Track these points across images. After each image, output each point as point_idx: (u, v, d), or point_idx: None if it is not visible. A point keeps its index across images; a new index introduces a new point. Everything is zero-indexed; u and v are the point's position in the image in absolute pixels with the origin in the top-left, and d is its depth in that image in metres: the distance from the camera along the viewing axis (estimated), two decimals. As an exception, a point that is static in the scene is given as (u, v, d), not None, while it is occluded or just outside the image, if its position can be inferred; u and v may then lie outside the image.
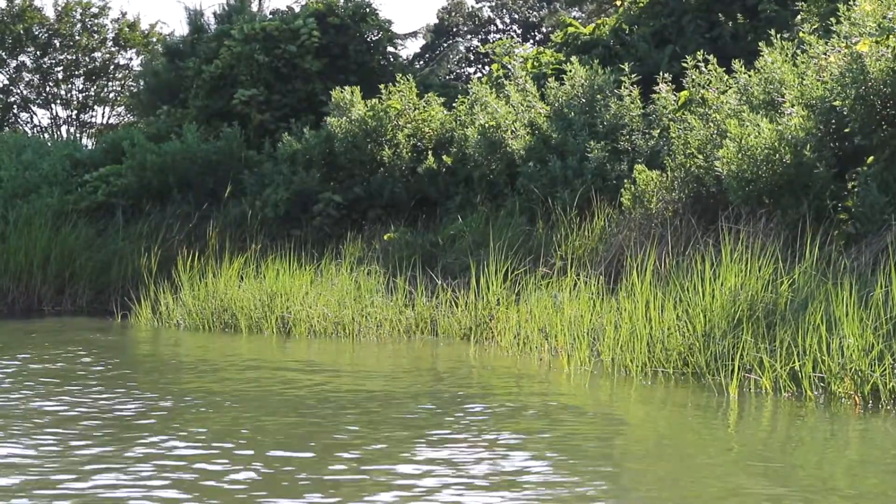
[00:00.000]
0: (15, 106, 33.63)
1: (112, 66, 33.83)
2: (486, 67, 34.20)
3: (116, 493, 5.56)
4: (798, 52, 12.40)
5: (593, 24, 19.62)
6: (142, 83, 25.34)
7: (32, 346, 13.09)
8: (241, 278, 15.17)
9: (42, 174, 20.38)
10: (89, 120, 33.98)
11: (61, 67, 33.44)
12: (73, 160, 20.89)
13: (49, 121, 33.74)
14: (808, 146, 10.73)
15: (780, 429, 7.55)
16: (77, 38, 33.24)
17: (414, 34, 32.29)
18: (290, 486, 5.74)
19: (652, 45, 18.18)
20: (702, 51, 14.19)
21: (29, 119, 33.95)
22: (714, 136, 12.30)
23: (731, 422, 7.76)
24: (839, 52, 10.97)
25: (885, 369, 8.01)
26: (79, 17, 33.34)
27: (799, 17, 15.01)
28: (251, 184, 18.75)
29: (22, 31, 32.55)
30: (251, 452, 6.55)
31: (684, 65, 14.16)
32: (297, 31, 21.22)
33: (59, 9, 33.11)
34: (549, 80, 16.39)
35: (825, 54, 11.26)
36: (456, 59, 33.18)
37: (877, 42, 10.59)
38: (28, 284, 19.07)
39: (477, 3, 39.86)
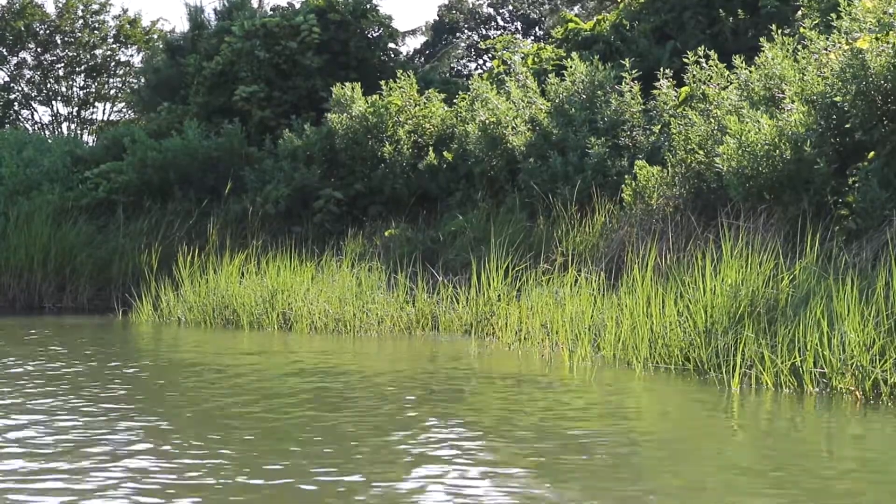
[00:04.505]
0: (16, 103, 33.64)
1: (113, 63, 33.85)
2: (487, 63, 34.21)
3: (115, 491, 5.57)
4: (799, 47, 12.40)
5: (594, 20, 19.62)
6: (143, 80, 25.37)
7: (32, 343, 13.09)
8: (242, 275, 15.19)
9: (43, 171, 20.40)
10: (90, 117, 34.01)
11: (62, 64, 33.45)
12: (73, 157, 20.91)
13: (50, 118, 33.77)
14: (809, 142, 10.73)
15: (782, 424, 7.55)
16: (78, 34, 33.25)
17: (414, 31, 32.33)
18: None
19: (652, 40, 18.19)
20: (702, 46, 14.20)
21: (30, 116, 33.99)
22: (715, 131, 12.31)
23: (733, 417, 7.76)
24: (839, 47, 10.96)
25: (886, 364, 8.01)
26: (80, 13, 33.35)
27: (799, 12, 15.00)
28: (252, 180, 18.76)
29: (23, 28, 32.55)
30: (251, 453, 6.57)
31: (685, 60, 14.17)
32: (298, 28, 21.23)
33: (61, 5, 33.12)
34: (550, 76, 16.39)
35: (826, 50, 11.26)
36: (454, 53, 33.17)
37: (877, 38, 10.59)
38: (29, 281, 19.10)
39: (477, -1, 39.85)
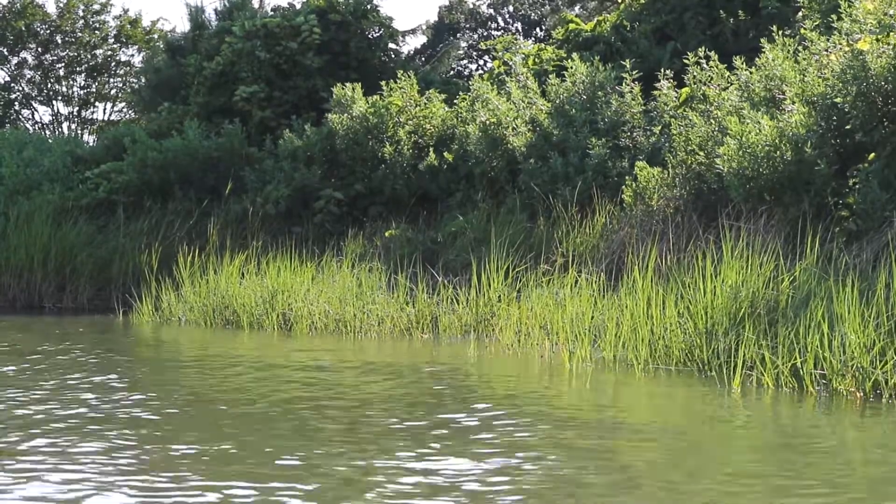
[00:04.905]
0: (16, 103, 33.64)
1: (113, 63, 33.85)
2: (488, 64, 34.20)
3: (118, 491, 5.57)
4: (799, 48, 12.40)
5: (594, 21, 19.62)
6: (143, 80, 25.37)
7: (32, 343, 13.09)
8: (243, 275, 15.19)
9: (43, 171, 20.40)
10: (90, 117, 34.02)
11: (63, 64, 33.45)
12: (74, 157, 20.91)
13: (50, 117, 33.78)
14: (809, 143, 10.73)
15: (783, 425, 7.55)
16: (79, 34, 33.26)
17: (413, 31, 32.32)
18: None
19: (653, 41, 18.19)
20: (703, 47, 14.20)
21: (30, 116, 34.00)
22: (715, 132, 12.31)
23: (734, 417, 7.76)
24: (840, 49, 10.97)
25: (886, 366, 8.01)
26: (81, 13, 33.36)
27: (800, 13, 15.00)
28: (252, 180, 18.76)
29: (23, 28, 32.56)
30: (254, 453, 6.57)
31: (685, 61, 14.17)
32: (298, 28, 21.22)
33: (61, 5, 33.13)
34: (551, 76, 16.39)
35: (826, 51, 11.26)
36: (454, 53, 33.17)
37: (878, 39, 10.59)
38: (29, 281, 19.10)
39: (477, 0, 39.85)
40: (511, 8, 39.44)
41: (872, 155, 10.47)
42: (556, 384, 9.32)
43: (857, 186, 10.35)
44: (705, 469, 6.16)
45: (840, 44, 11.08)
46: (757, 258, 9.74)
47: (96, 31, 33.46)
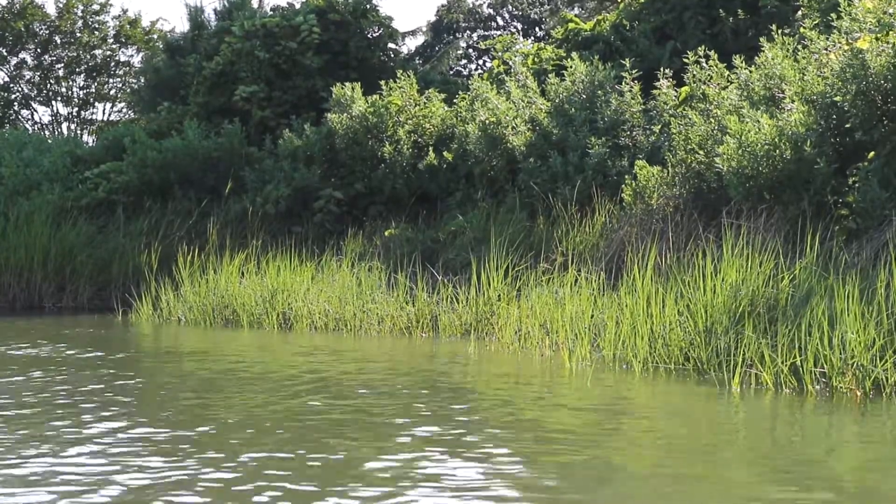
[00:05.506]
0: (16, 103, 33.65)
1: (113, 63, 33.87)
2: (487, 64, 34.21)
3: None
4: (799, 47, 12.41)
5: (594, 20, 19.63)
6: (142, 80, 25.39)
7: (32, 343, 13.09)
8: (242, 274, 15.20)
9: (43, 171, 20.40)
10: (90, 117, 34.04)
11: (62, 64, 33.47)
12: (73, 157, 20.91)
13: (50, 118, 33.80)
14: (809, 142, 10.73)
15: (782, 423, 7.55)
16: (78, 35, 33.27)
17: (413, 33, 32.32)
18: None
19: (653, 40, 18.20)
20: (702, 46, 14.20)
21: (30, 116, 34.01)
22: (715, 131, 12.31)
23: (733, 416, 7.76)
24: (840, 47, 10.97)
25: (886, 364, 8.01)
26: (80, 14, 33.37)
27: (800, 12, 15.00)
28: (252, 180, 18.77)
29: (23, 28, 32.57)
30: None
31: (685, 60, 14.17)
32: (298, 28, 21.23)
33: (61, 6, 33.14)
34: (550, 76, 16.39)
35: (826, 50, 11.26)
36: (453, 53, 33.17)
37: (877, 38, 10.59)
38: (29, 281, 19.10)
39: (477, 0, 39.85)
40: (510, 7, 39.44)
41: (872, 153, 10.47)
42: (553, 384, 9.31)
43: (856, 185, 10.35)
44: (703, 469, 6.16)
45: (839, 42, 11.08)
46: (757, 257, 9.74)
47: (95, 32, 33.47)
